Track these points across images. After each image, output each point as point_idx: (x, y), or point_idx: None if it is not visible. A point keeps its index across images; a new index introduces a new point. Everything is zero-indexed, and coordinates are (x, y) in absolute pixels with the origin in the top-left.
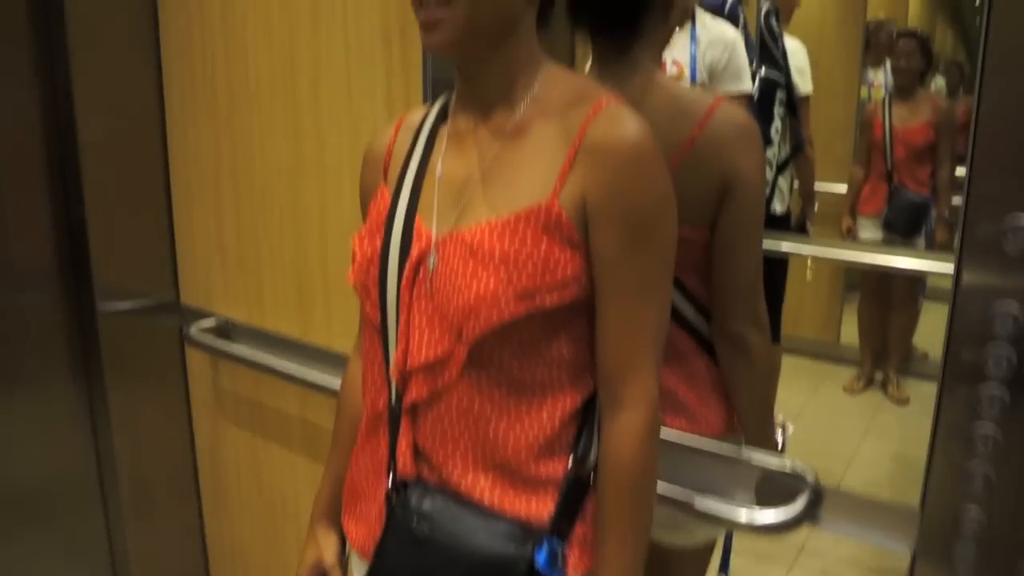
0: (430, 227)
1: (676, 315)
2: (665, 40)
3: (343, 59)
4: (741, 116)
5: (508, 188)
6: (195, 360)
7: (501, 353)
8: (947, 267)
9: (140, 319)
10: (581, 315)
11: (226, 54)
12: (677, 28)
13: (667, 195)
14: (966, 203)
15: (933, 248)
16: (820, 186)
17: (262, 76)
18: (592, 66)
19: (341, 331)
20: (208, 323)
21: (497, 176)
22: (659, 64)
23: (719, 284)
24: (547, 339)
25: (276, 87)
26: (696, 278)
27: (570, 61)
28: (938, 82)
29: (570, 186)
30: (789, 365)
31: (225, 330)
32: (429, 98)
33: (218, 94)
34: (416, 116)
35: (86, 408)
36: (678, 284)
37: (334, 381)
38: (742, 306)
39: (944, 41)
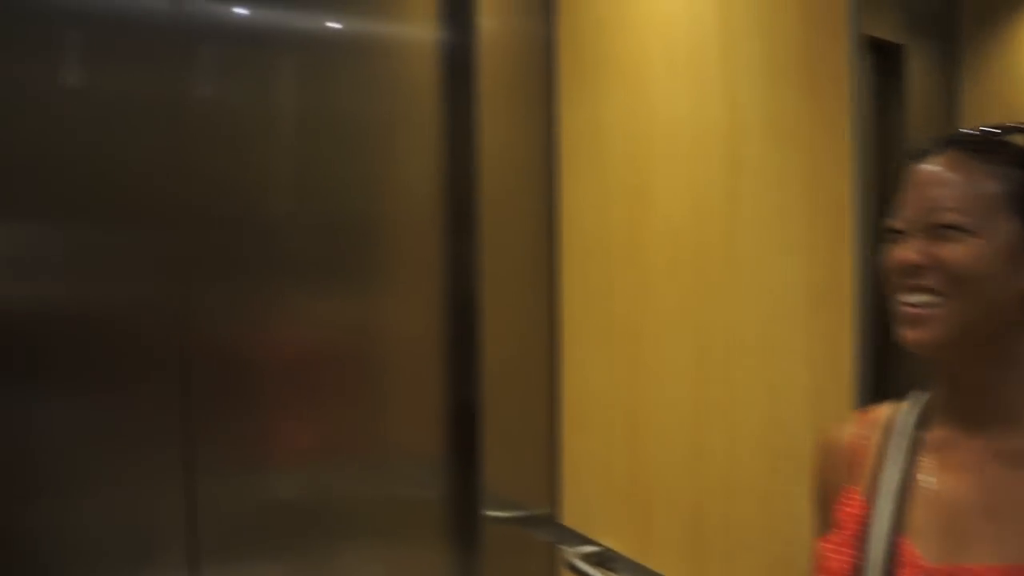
0: (919, 552)
1: None
2: None
3: (756, 313)
4: None
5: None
6: None
7: None
8: None
9: (517, 528)
10: None
11: (624, 287)
12: None
13: None
14: None
15: None
16: None
17: (664, 315)
18: None
19: None
20: (589, 549)
21: (1008, 510)
22: None
23: None
24: None
25: (681, 328)
26: None
27: None
28: None
29: None
30: None
31: (606, 559)
32: (858, 369)
33: (615, 325)
34: (881, 414)
35: None
36: None
37: None
38: None
39: None
